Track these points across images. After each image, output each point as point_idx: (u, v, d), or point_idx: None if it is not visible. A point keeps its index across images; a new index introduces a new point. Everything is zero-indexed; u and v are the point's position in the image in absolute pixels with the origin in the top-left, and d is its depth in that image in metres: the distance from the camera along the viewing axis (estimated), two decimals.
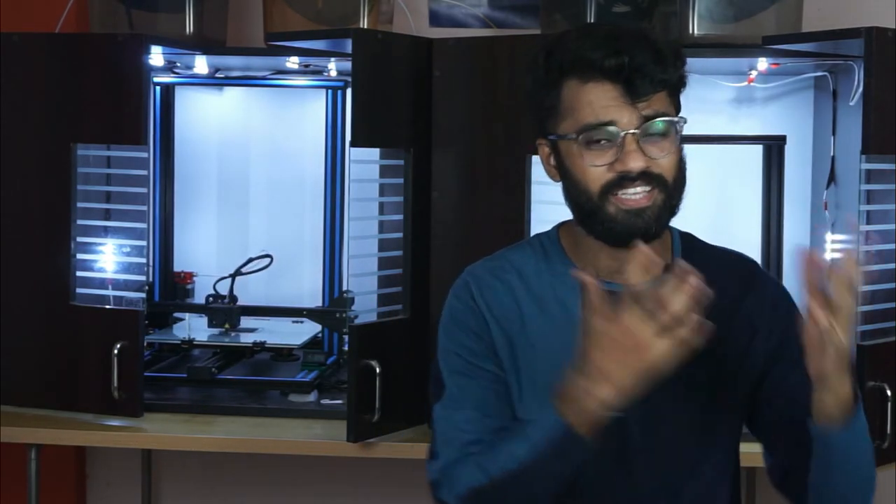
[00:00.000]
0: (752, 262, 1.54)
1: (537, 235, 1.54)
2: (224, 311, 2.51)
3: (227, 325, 2.50)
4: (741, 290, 1.47)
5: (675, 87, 1.38)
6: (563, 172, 1.40)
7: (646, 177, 1.34)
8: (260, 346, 2.43)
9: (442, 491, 1.39)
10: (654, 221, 1.36)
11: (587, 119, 1.34)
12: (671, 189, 1.36)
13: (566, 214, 1.47)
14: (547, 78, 1.37)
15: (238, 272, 2.56)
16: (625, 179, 1.34)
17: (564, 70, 1.35)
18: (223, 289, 2.57)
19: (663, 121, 1.34)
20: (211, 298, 2.55)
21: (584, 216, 1.40)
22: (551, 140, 1.40)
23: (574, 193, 1.39)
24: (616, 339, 1.23)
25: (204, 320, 2.62)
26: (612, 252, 1.42)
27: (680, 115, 1.40)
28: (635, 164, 1.33)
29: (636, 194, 1.34)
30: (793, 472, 1.40)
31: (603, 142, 1.34)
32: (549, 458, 1.29)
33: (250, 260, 2.59)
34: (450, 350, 1.47)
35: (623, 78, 1.32)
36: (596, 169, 1.35)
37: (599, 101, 1.33)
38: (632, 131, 1.33)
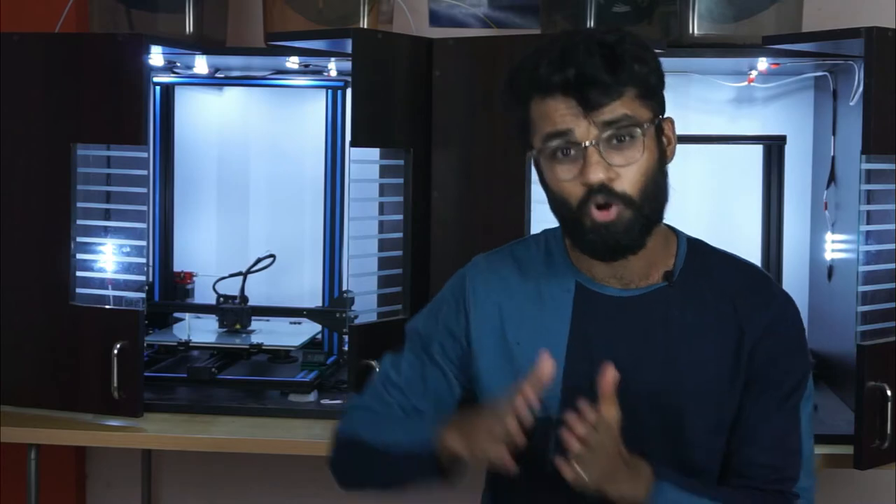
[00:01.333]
0: (762, 275, 1.52)
1: (545, 232, 1.55)
2: (235, 311, 2.51)
3: (238, 326, 2.50)
4: (739, 303, 1.45)
5: (646, 88, 1.36)
6: (544, 186, 1.42)
7: (607, 191, 1.34)
8: (257, 348, 2.43)
9: (340, 422, 1.56)
10: (624, 235, 1.36)
11: (546, 130, 1.36)
12: (639, 203, 1.35)
13: None
14: (515, 98, 1.40)
15: (249, 271, 2.56)
16: (591, 193, 1.34)
17: (525, 88, 1.37)
18: (223, 289, 2.56)
19: (622, 129, 1.34)
20: (222, 299, 2.55)
21: (566, 228, 1.42)
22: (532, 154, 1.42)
23: (554, 206, 1.41)
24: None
25: (203, 321, 2.62)
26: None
27: (660, 114, 1.39)
28: (594, 175, 1.33)
29: (604, 208, 1.35)
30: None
31: (569, 152, 1.35)
32: (407, 456, 1.43)
33: (259, 260, 2.59)
34: (420, 323, 1.57)
35: (574, 91, 1.32)
36: (567, 184, 1.36)
37: (557, 112, 1.34)
38: (589, 143, 1.33)
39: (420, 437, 1.42)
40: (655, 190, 1.38)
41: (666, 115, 1.41)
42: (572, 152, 1.35)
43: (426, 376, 1.54)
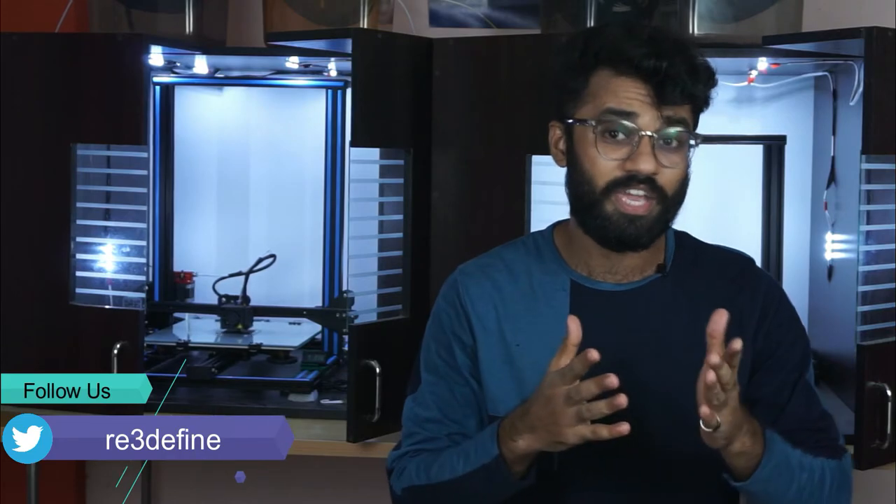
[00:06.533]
0: (747, 259, 1.54)
1: (532, 234, 1.56)
2: (238, 311, 2.51)
3: (239, 326, 2.50)
4: (733, 290, 1.47)
5: (700, 106, 1.39)
6: (570, 159, 1.41)
7: (650, 183, 1.35)
8: (256, 349, 2.43)
9: (393, 479, 1.51)
10: (646, 232, 1.37)
11: (608, 104, 1.35)
12: (669, 203, 1.38)
13: (566, 215, 1.48)
14: (580, 62, 1.39)
15: (251, 271, 2.56)
16: (632, 180, 1.34)
17: (600, 58, 1.37)
18: (222, 289, 2.57)
19: (681, 131, 1.35)
20: (224, 299, 2.54)
21: (581, 208, 1.41)
22: (567, 124, 1.41)
23: (577, 183, 1.40)
24: (545, 403, 1.27)
25: (203, 321, 2.62)
26: (603, 252, 1.43)
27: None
28: (646, 165, 1.34)
29: (637, 199, 1.35)
30: None
31: (619, 136, 1.35)
32: (477, 479, 1.37)
33: (260, 260, 2.59)
34: (430, 348, 1.53)
35: (656, 80, 1.33)
36: (606, 163, 1.36)
37: (627, 93, 1.35)
38: (650, 133, 1.34)
39: (479, 453, 1.37)
40: (682, 200, 1.41)
41: None
42: (622, 136, 1.35)
43: (454, 391, 1.49)
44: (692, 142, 1.37)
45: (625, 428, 1.22)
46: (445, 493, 1.42)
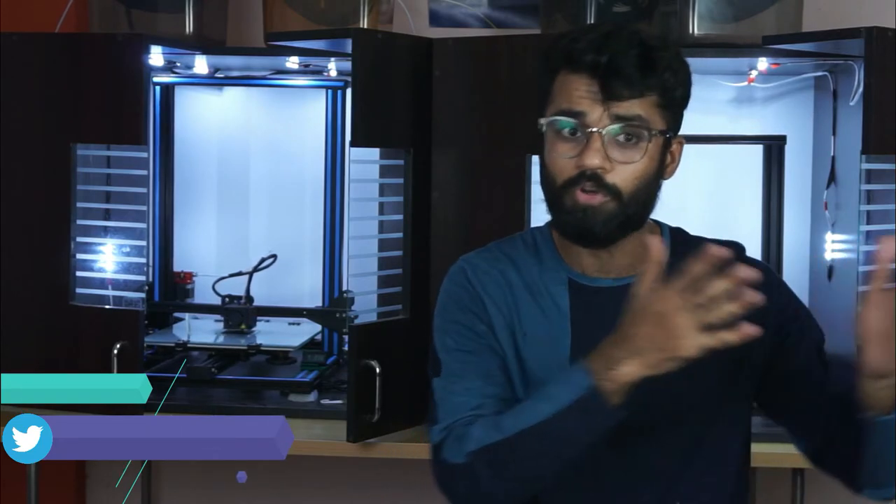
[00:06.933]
0: (740, 247, 1.54)
1: (530, 230, 1.57)
2: (241, 311, 2.51)
3: (242, 326, 2.51)
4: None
5: (669, 99, 1.38)
6: (541, 159, 1.43)
7: (597, 180, 1.35)
8: (256, 349, 2.43)
9: (447, 450, 1.38)
10: (601, 223, 1.36)
11: (561, 105, 1.37)
12: (626, 200, 1.36)
13: None
14: (546, 65, 1.40)
15: (256, 270, 2.56)
16: (582, 177, 1.35)
17: (557, 60, 1.38)
18: (222, 289, 2.57)
19: (629, 126, 1.34)
20: (227, 299, 2.55)
21: (549, 205, 1.43)
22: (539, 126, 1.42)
23: (543, 181, 1.42)
24: (655, 320, 1.22)
25: (202, 321, 2.62)
26: (587, 250, 1.44)
27: (673, 131, 1.39)
28: (591, 160, 1.33)
29: (589, 193, 1.35)
30: (828, 450, 1.40)
31: (576, 133, 1.36)
32: (571, 416, 1.28)
33: (262, 260, 2.59)
34: (447, 330, 1.48)
35: (600, 76, 1.33)
36: (562, 161, 1.37)
37: (578, 91, 1.35)
38: (595, 129, 1.34)
39: (569, 390, 1.28)
40: (645, 196, 1.39)
41: (679, 135, 1.42)
42: (578, 134, 1.36)
43: (484, 356, 1.44)
44: (651, 133, 1.35)
45: (754, 329, 1.17)
46: (528, 442, 1.32)
